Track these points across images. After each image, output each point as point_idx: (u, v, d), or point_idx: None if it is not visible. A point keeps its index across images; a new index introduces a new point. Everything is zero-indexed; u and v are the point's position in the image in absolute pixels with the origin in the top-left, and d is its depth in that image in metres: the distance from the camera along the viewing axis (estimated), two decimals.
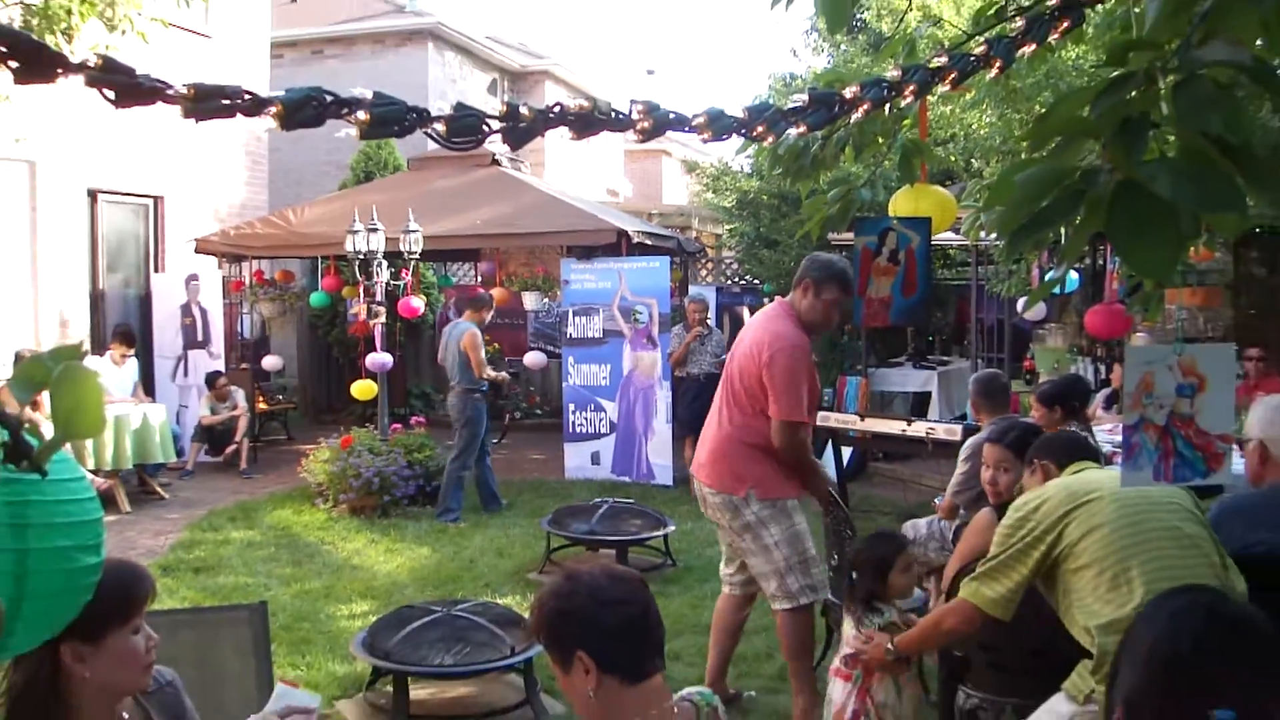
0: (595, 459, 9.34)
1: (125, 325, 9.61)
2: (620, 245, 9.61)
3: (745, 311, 11.17)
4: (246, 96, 1.15)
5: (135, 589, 1.85)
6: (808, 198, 3.70)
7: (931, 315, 11.41)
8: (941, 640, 2.75)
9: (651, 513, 6.55)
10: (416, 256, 8.42)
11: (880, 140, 3.49)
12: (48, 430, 0.89)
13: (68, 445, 0.94)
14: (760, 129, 1.55)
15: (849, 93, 1.66)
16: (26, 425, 0.86)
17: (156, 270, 10.94)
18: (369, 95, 1.30)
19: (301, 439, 10.61)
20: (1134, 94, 1.50)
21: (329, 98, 1.22)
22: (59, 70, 1.00)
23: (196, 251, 10.68)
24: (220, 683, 2.87)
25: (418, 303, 9.15)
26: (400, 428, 8.51)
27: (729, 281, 13.58)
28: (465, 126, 1.31)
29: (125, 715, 1.91)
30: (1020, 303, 8.80)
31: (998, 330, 10.11)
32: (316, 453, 8.16)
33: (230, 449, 9.62)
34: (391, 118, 1.27)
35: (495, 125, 1.35)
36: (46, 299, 9.70)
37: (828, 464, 8.20)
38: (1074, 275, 8.69)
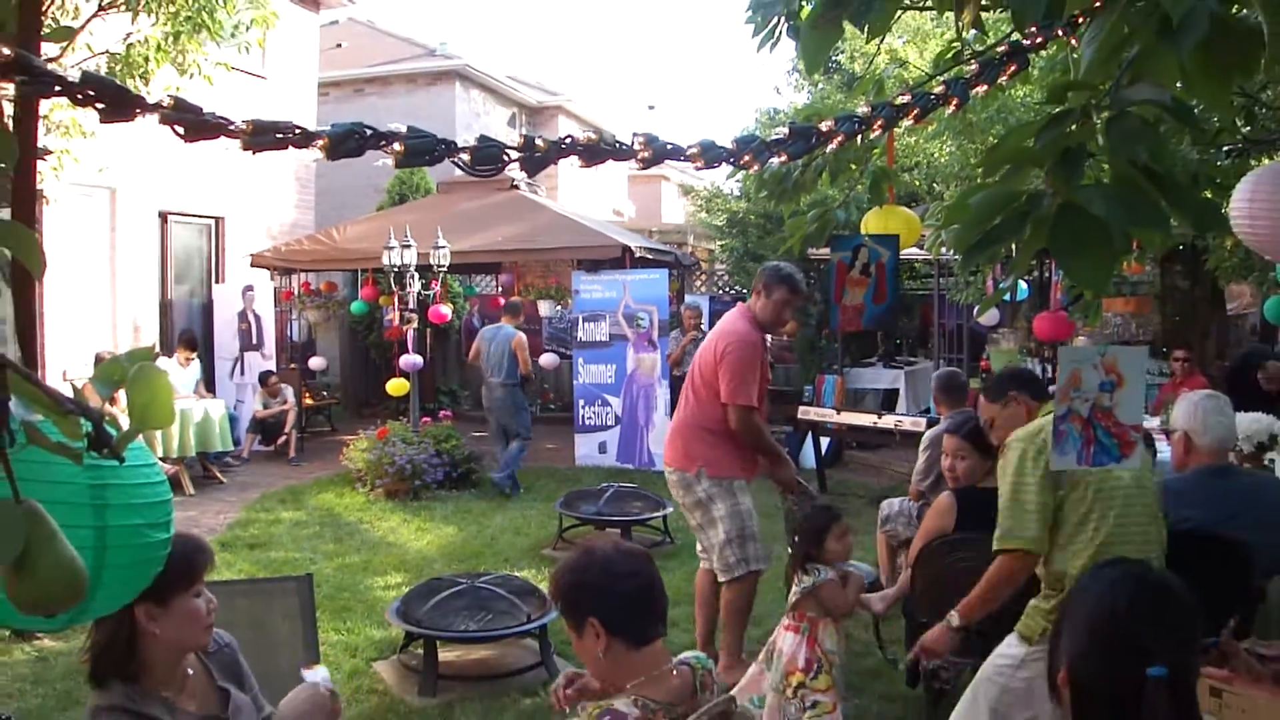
0: (602, 448, 9.34)
1: (189, 331, 9.62)
2: (624, 259, 9.63)
3: None
4: (297, 131, 1.16)
5: (196, 558, 1.88)
6: (790, 217, 3.70)
7: (899, 321, 11.39)
8: (1003, 594, 2.59)
9: (652, 496, 6.54)
10: (444, 269, 8.43)
11: (853, 167, 3.50)
12: (125, 422, 0.90)
13: (142, 435, 0.95)
14: (747, 158, 1.55)
15: (825, 126, 1.66)
16: (107, 418, 0.87)
17: (217, 282, 10.97)
18: (404, 129, 1.30)
19: (343, 431, 10.61)
20: (1072, 128, 1.51)
21: (369, 131, 1.23)
22: (137, 110, 1.00)
23: (252, 265, 10.71)
24: (272, 645, 2.87)
25: (445, 310, 9.15)
26: (430, 421, 8.52)
27: (721, 291, 13.58)
28: (488, 156, 1.32)
29: (190, 671, 1.93)
30: (976, 309, 8.80)
31: (957, 334, 10.09)
32: (356, 443, 8.17)
33: (280, 439, 9.63)
34: (423, 149, 1.27)
35: (514, 155, 1.35)
36: (123, 307, 9.74)
37: (808, 452, 8.23)
38: (1024, 286, 8.69)
